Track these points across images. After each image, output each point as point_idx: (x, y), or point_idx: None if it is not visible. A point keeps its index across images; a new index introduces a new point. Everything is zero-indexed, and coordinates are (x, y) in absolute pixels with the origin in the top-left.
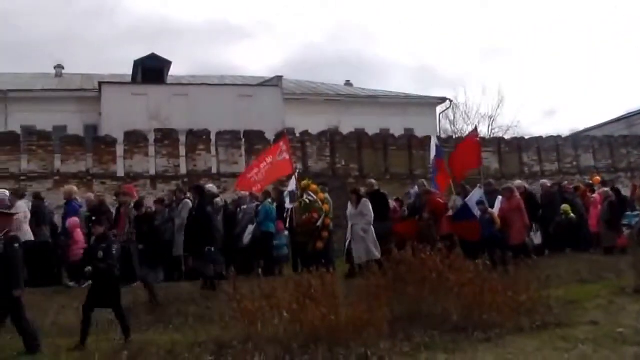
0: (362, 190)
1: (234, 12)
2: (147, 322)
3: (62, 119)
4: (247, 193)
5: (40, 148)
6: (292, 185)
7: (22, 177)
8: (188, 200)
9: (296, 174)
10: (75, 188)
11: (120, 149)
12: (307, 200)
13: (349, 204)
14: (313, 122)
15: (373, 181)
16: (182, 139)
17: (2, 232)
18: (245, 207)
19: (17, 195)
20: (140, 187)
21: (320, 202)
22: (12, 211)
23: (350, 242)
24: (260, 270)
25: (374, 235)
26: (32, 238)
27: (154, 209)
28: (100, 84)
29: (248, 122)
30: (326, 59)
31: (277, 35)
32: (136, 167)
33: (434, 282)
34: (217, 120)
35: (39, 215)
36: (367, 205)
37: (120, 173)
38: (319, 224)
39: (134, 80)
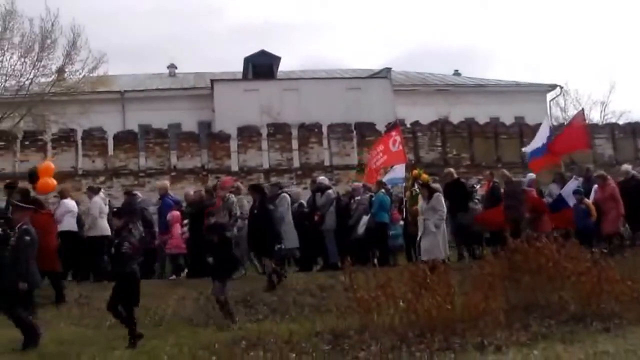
0: (433, 182)
1: (339, 6)
2: (263, 313)
3: (177, 117)
4: (361, 184)
5: (157, 145)
6: (398, 172)
7: (141, 174)
8: (286, 195)
9: (407, 164)
10: (168, 184)
11: (233, 144)
12: (418, 190)
13: (420, 198)
14: (422, 112)
15: (451, 169)
16: (294, 132)
17: (18, 225)
18: (358, 198)
19: (93, 191)
20: (254, 181)
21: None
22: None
23: (420, 237)
24: (375, 260)
25: (446, 233)
26: (109, 233)
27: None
28: (212, 81)
29: (358, 115)
30: (433, 50)
31: (385, 27)
32: (250, 162)
33: (550, 271)
34: (327, 113)
35: (131, 211)
36: (440, 199)
37: (235, 168)
38: None
39: (245, 76)
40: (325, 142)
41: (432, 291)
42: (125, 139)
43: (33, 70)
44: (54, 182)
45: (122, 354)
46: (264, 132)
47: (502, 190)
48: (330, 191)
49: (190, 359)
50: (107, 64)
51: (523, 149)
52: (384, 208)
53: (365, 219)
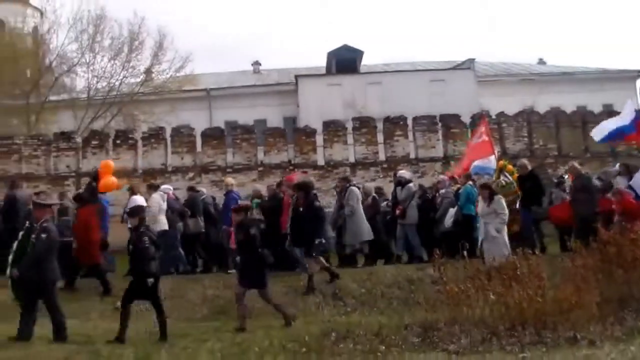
0: (490, 182)
1: None
2: (352, 305)
3: (262, 113)
4: (447, 177)
5: (244, 141)
6: (488, 162)
7: (228, 170)
8: (355, 188)
9: (495, 155)
10: (232, 180)
11: (319, 139)
12: (504, 182)
13: (480, 199)
14: (507, 103)
15: (525, 161)
16: (379, 125)
17: (39, 222)
18: (443, 191)
19: (152, 188)
20: (340, 175)
21: (516, 184)
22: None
23: (482, 242)
24: (464, 252)
25: (506, 236)
26: (167, 227)
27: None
28: (296, 77)
29: (442, 106)
30: (516, 38)
31: (465, 17)
32: (336, 156)
33: None
34: (411, 106)
35: (193, 207)
36: (501, 202)
37: (321, 162)
38: (517, 206)
39: (329, 71)
40: (410, 134)
41: (523, 284)
42: (213, 136)
43: (123, 72)
44: (115, 180)
45: (213, 346)
46: (349, 126)
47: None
48: (411, 185)
49: (280, 351)
50: (193, 63)
51: (592, 132)
52: (471, 200)
53: (452, 211)
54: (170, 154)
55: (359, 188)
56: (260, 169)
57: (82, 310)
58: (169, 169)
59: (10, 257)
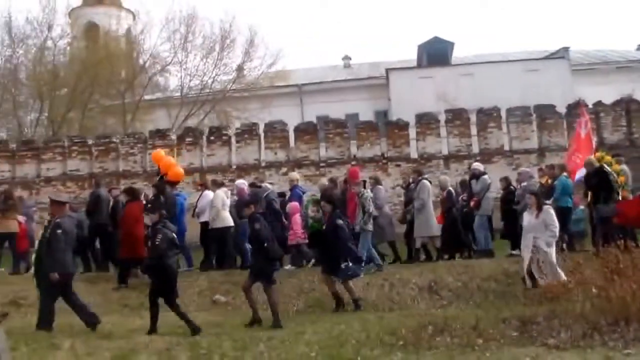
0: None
1: None
2: (448, 298)
3: (353, 107)
4: (528, 169)
5: (337, 135)
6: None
7: (322, 164)
8: (426, 181)
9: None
10: (297, 175)
11: (412, 132)
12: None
13: (527, 210)
14: (604, 91)
15: (592, 158)
16: (472, 117)
17: (56, 217)
18: (525, 183)
19: (216, 184)
20: (434, 168)
21: (615, 175)
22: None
23: (530, 260)
24: (564, 245)
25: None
26: (232, 224)
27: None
28: (387, 70)
29: (535, 97)
30: (612, 25)
31: (557, 5)
32: (429, 149)
33: None
34: (504, 97)
35: (256, 202)
36: (551, 213)
37: (414, 155)
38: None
39: (419, 64)
40: (504, 126)
41: (626, 277)
42: (306, 131)
43: (215, 69)
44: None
45: (310, 338)
46: (442, 118)
47: None
48: (485, 177)
49: (377, 344)
50: (284, 59)
51: None
52: (567, 192)
53: None
54: (264, 149)
55: (430, 181)
56: (353, 162)
57: (182, 303)
58: (263, 164)
59: (34, 253)
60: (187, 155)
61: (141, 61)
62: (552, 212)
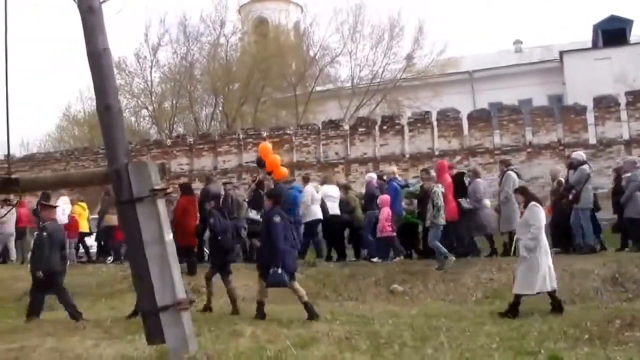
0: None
1: None
2: (634, 291)
3: (525, 93)
4: (633, 159)
5: (511, 122)
6: None
7: (496, 152)
8: (512, 172)
9: None
10: (394, 168)
11: (590, 117)
12: None
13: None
14: None
15: (633, 158)
16: None
17: (45, 221)
18: (628, 174)
19: (305, 180)
20: (614, 154)
21: None
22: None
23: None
24: None
25: (546, 261)
26: (320, 217)
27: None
28: (560, 53)
29: None
30: None
31: None
32: (608, 133)
33: None
34: None
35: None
36: (535, 210)
37: (592, 140)
38: None
39: (595, 45)
40: None
41: None
42: (479, 118)
43: (384, 59)
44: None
45: (491, 329)
46: (622, 101)
47: None
48: (584, 167)
49: (561, 337)
50: (454, 46)
51: None
52: None
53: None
54: (437, 138)
55: (517, 173)
56: (529, 150)
57: (359, 293)
58: (436, 152)
59: (29, 255)
60: (360, 146)
61: (311, 53)
62: (538, 210)
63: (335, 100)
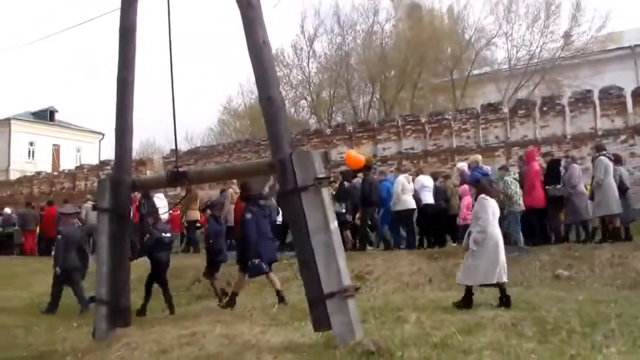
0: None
1: None
2: None
3: None
4: None
5: None
6: None
7: None
8: (603, 158)
9: None
10: (479, 157)
11: None
12: None
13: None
14: None
15: None
16: None
17: (64, 225)
18: None
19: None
20: None
21: None
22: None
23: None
24: None
25: (497, 249)
26: (414, 206)
27: None
28: None
29: None
30: None
31: None
32: None
33: None
34: None
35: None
36: (483, 203)
37: None
38: None
39: None
40: None
41: None
42: None
43: (541, 38)
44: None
45: None
46: None
47: None
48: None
49: None
50: (615, 20)
51: None
52: None
53: None
54: (599, 117)
55: (610, 158)
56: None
57: (524, 278)
58: (599, 132)
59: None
60: (520, 128)
61: (467, 36)
62: (486, 202)
63: (493, 83)
